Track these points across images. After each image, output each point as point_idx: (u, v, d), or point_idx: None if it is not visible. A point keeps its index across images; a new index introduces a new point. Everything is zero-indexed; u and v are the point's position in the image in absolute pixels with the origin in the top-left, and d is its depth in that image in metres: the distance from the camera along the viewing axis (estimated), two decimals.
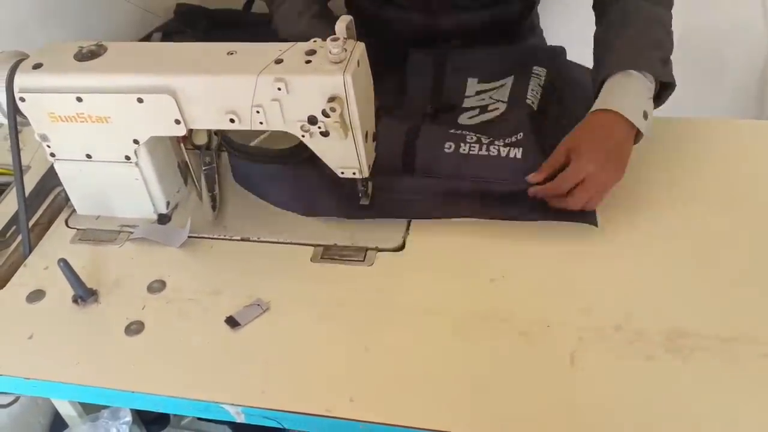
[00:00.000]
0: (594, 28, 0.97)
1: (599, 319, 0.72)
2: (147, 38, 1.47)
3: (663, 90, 0.88)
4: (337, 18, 0.75)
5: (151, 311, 0.79)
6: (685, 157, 0.92)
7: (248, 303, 0.79)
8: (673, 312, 0.72)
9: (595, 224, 0.81)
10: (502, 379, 0.68)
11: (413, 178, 0.88)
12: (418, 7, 1.08)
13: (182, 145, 0.95)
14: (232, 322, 0.77)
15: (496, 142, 0.88)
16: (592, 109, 0.85)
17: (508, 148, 0.87)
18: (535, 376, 0.68)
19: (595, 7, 0.99)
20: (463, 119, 0.99)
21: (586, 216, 0.81)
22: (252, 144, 0.93)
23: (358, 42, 0.76)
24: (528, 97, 0.96)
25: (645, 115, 0.84)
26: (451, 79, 1.05)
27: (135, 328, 0.78)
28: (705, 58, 1.50)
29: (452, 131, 0.91)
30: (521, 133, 0.89)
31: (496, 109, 0.98)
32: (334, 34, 0.74)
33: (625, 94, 0.85)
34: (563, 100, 0.99)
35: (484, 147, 0.88)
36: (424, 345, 0.72)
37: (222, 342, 0.75)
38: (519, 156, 0.86)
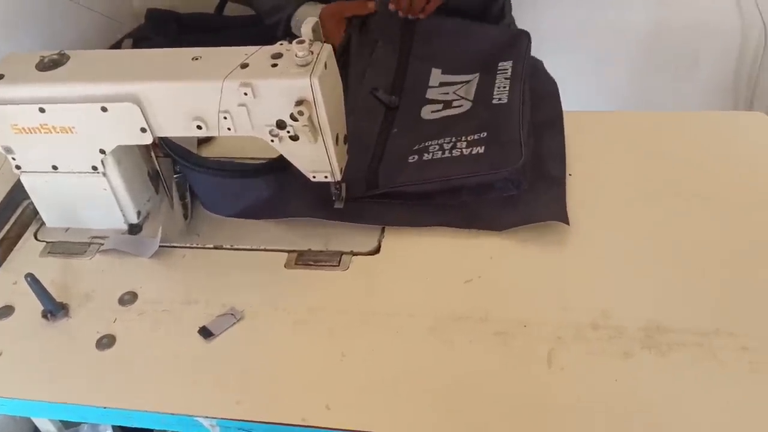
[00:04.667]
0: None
1: (576, 316, 0.72)
2: (117, 45, 1.45)
3: None
4: None
5: (123, 324, 0.78)
6: (656, 151, 0.92)
7: (222, 312, 0.77)
8: (649, 308, 0.72)
9: (566, 221, 0.80)
10: (481, 380, 0.68)
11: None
12: None
13: (153, 152, 0.94)
14: (205, 332, 0.75)
15: (458, 144, 0.88)
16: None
17: (470, 148, 0.86)
18: (513, 376, 0.68)
19: None
20: (426, 113, 0.98)
21: (556, 213, 0.81)
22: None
23: (325, 44, 0.75)
24: (495, 96, 0.95)
25: None
26: (415, 66, 1.05)
27: (106, 342, 0.76)
28: (678, 52, 1.51)
29: (415, 147, 0.90)
30: (485, 132, 0.88)
31: (461, 106, 0.98)
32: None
33: None
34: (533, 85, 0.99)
35: (447, 151, 0.87)
36: (401, 348, 0.71)
37: (195, 353, 0.74)
38: (482, 152, 0.85)
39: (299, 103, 0.73)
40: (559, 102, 1.00)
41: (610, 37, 1.51)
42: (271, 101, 0.74)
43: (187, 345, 0.74)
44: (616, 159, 0.91)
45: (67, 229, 0.91)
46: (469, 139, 0.88)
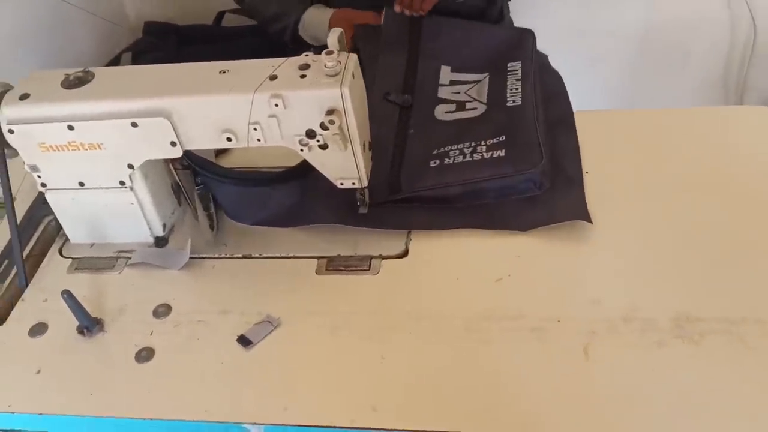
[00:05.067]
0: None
1: (607, 311, 0.74)
2: (116, 59, 1.46)
3: None
4: None
5: (160, 336, 0.79)
6: (661, 147, 0.95)
7: (258, 320, 0.78)
8: (677, 298, 0.75)
9: (589, 220, 0.83)
10: (521, 375, 0.70)
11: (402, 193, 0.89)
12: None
13: (171, 165, 0.94)
14: (244, 341, 0.76)
15: (479, 148, 0.90)
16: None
17: (491, 151, 0.89)
18: (552, 370, 0.70)
19: None
20: (440, 113, 1.00)
21: (578, 212, 0.83)
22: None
23: (351, 54, 0.77)
24: (508, 98, 0.98)
25: None
26: (424, 64, 1.07)
27: (145, 354, 0.77)
28: (669, 49, 1.55)
29: (435, 151, 0.92)
30: (503, 136, 0.90)
31: (475, 109, 0.99)
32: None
33: None
34: (542, 83, 1.01)
35: (468, 155, 0.89)
36: (440, 348, 0.73)
37: (236, 361, 0.75)
38: (503, 155, 0.88)
39: (330, 112, 0.74)
40: (568, 99, 1.02)
41: (602, 36, 1.54)
42: (301, 111, 0.75)
43: (227, 354, 0.76)
44: (624, 156, 0.94)
45: (92, 245, 0.91)
46: (488, 143, 0.90)
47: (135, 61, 1.48)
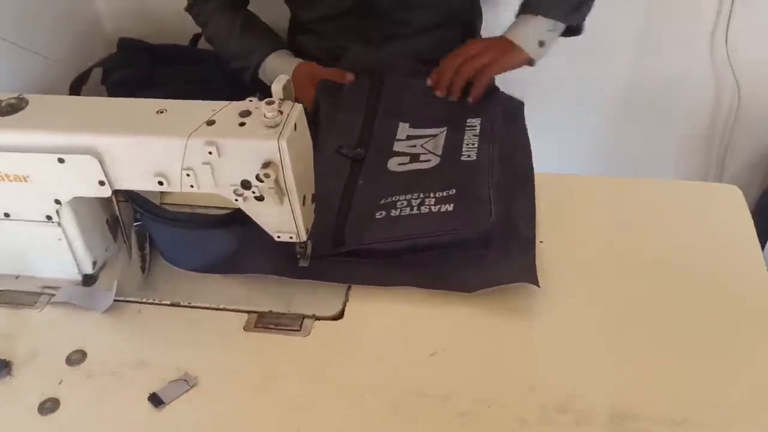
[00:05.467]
0: None
1: (543, 397, 0.70)
2: (86, 73, 1.42)
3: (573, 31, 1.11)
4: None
5: (69, 386, 0.74)
6: (627, 219, 0.91)
7: (175, 377, 0.74)
8: (619, 389, 0.70)
9: (536, 283, 0.78)
10: None
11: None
12: (358, 39, 1.11)
13: (114, 197, 0.90)
14: (155, 399, 0.72)
15: (427, 200, 0.86)
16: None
17: (439, 205, 0.85)
18: None
19: None
20: (393, 165, 0.96)
21: (526, 275, 0.79)
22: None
23: (296, 104, 0.73)
24: (464, 152, 0.94)
25: (540, 43, 1.09)
26: (382, 121, 1.03)
27: (49, 406, 0.72)
28: (652, 106, 1.52)
29: (382, 201, 0.88)
30: (454, 190, 0.86)
31: (429, 161, 0.96)
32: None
33: (524, 27, 1.09)
34: (501, 140, 0.98)
35: (415, 207, 0.85)
36: (361, 425, 0.68)
37: (143, 422, 0.70)
38: (450, 209, 0.84)
39: (266, 165, 0.70)
40: (531, 159, 0.98)
41: (583, 89, 1.51)
42: (236, 161, 0.71)
43: (136, 413, 0.71)
44: (586, 226, 0.90)
45: (17, 276, 0.87)
46: (437, 195, 0.87)
47: (105, 76, 1.44)
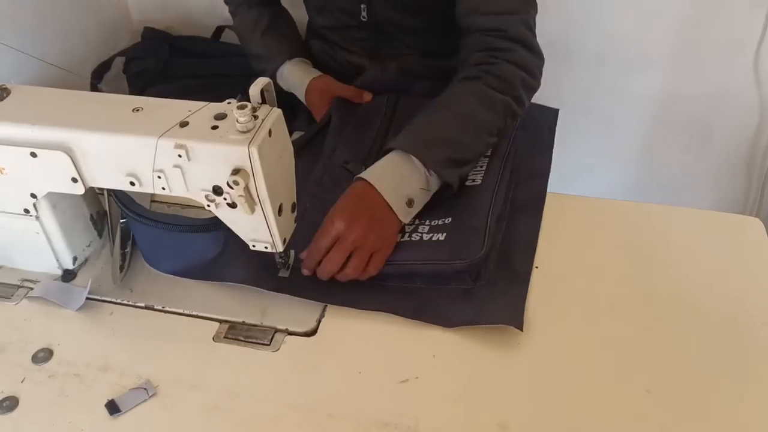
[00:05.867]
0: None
1: None
2: (108, 62, 1.41)
3: (446, 187, 0.85)
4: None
5: (30, 385, 0.72)
6: (638, 250, 0.84)
7: (135, 385, 0.71)
8: None
9: (520, 328, 0.73)
10: None
11: None
12: (367, 54, 1.06)
13: (105, 191, 0.88)
14: (112, 407, 0.69)
15: (420, 228, 0.82)
16: (360, 174, 0.82)
17: (431, 234, 0.80)
18: None
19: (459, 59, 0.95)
20: None
21: (511, 317, 0.74)
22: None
23: (274, 108, 0.69)
24: (469, 176, 0.88)
25: (410, 203, 0.82)
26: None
27: (8, 405, 0.70)
28: (691, 123, 1.43)
29: None
30: (450, 218, 0.82)
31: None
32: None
33: (395, 176, 0.82)
34: (518, 155, 0.92)
35: (407, 234, 0.81)
36: None
37: (97, 429, 0.68)
38: (442, 239, 0.79)
39: (236, 172, 0.67)
40: (546, 183, 0.92)
41: (618, 102, 1.43)
42: (207, 166, 0.68)
43: (90, 419, 0.68)
44: (591, 254, 0.83)
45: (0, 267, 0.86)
46: (432, 224, 0.82)
47: (127, 66, 1.43)
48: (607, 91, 1.41)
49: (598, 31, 1.34)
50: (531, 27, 0.94)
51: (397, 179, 0.82)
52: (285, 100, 0.93)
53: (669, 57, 1.35)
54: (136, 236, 0.85)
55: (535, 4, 0.95)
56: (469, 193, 0.85)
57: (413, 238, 0.81)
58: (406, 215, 0.81)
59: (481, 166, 0.89)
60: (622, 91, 1.40)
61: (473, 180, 0.87)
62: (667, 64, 1.36)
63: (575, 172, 1.55)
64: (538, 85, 0.95)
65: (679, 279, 0.80)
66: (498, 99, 0.88)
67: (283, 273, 0.81)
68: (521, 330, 0.73)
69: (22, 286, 0.83)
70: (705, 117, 1.42)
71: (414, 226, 0.83)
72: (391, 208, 0.80)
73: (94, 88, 1.38)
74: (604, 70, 1.37)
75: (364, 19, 0.98)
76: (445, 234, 0.80)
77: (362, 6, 0.97)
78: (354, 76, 1.09)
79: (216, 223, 0.79)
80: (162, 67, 1.38)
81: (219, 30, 1.46)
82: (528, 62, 0.92)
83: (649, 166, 1.52)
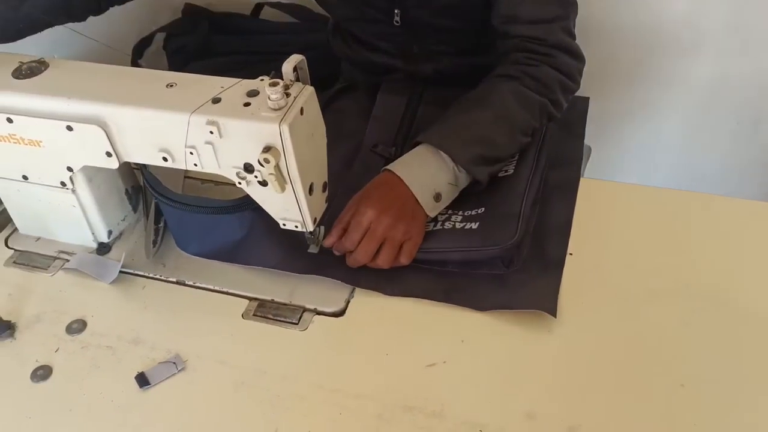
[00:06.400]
0: None
1: (539, 428, 0.63)
2: (149, 38, 1.42)
3: (475, 183, 0.83)
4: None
5: (63, 355, 0.74)
6: (676, 239, 0.81)
7: (165, 359, 0.72)
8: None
9: (553, 314, 0.71)
10: None
11: None
12: (398, 54, 1.03)
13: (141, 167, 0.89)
14: (142, 380, 0.70)
15: (453, 217, 0.80)
16: (388, 166, 0.81)
17: (464, 223, 0.79)
18: None
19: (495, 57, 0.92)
20: None
21: (544, 303, 0.72)
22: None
23: (307, 86, 0.69)
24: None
25: (437, 197, 0.80)
26: (419, 126, 0.97)
27: (42, 373, 0.72)
28: (740, 108, 1.37)
29: None
30: (483, 208, 0.80)
31: None
32: None
33: (423, 170, 0.81)
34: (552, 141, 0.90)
35: (440, 223, 0.80)
36: None
37: (127, 400, 0.69)
38: (475, 227, 0.77)
39: (266, 149, 0.66)
40: (578, 171, 0.90)
41: (658, 89, 1.38)
42: (238, 143, 0.68)
43: (121, 390, 0.70)
44: (628, 242, 0.81)
45: (38, 239, 0.88)
46: (465, 213, 0.81)
47: (167, 42, 1.44)
48: (645, 76, 1.36)
49: (646, 14, 1.29)
50: (571, 32, 0.91)
51: (425, 174, 0.80)
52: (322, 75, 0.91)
53: (718, 38, 1.29)
54: (167, 217, 0.85)
55: (576, 5, 0.92)
56: (503, 183, 0.83)
57: (446, 227, 0.80)
58: (433, 209, 0.80)
59: (514, 156, 0.87)
60: (663, 76, 1.36)
61: (506, 171, 0.85)
62: (715, 46, 1.30)
63: (618, 158, 1.52)
64: (578, 87, 0.92)
65: (720, 272, 0.77)
66: (536, 100, 0.86)
67: (313, 249, 0.80)
68: (554, 316, 0.71)
69: (58, 258, 0.85)
70: (755, 102, 1.36)
71: (447, 215, 0.81)
72: (418, 201, 0.79)
73: (135, 63, 1.39)
74: (650, 53, 1.32)
75: (397, 24, 0.96)
76: (478, 223, 0.78)
77: (396, 11, 0.95)
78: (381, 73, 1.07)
79: (241, 205, 0.79)
80: (201, 43, 1.38)
81: (258, 7, 1.45)
82: (568, 67, 0.90)
83: (693, 153, 1.47)
